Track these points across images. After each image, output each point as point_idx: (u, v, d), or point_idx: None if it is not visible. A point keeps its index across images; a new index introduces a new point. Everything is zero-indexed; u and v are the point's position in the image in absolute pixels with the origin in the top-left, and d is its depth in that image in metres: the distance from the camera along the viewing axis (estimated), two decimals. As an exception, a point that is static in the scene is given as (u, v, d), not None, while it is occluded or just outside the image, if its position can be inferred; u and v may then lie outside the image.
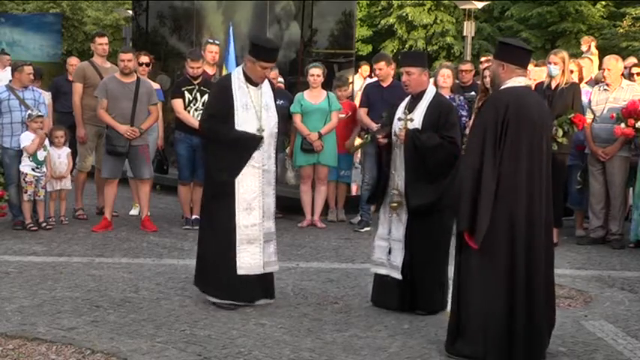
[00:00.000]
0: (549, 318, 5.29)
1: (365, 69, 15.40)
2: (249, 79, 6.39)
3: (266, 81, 6.57)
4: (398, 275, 6.30)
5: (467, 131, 8.11)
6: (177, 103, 9.29)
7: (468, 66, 10.68)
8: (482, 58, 12.12)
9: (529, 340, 5.12)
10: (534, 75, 9.55)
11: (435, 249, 6.26)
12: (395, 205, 6.33)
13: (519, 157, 5.09)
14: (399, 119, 6.41)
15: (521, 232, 5.09)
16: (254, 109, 6.35)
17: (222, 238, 6.28)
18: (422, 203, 6.17)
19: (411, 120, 6.34)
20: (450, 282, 5.61)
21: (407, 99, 6.56)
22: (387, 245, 6.43)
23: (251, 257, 6.31)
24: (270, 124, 6.40)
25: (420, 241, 6.25)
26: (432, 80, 10.99)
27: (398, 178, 6.36)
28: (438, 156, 6.20)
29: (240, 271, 6.28)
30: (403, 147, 6.31)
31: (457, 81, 10.81)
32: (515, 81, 5.24)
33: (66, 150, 9.57)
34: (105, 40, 10.12)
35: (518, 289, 5.10)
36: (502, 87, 5.28)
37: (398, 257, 6.32)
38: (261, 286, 6.43)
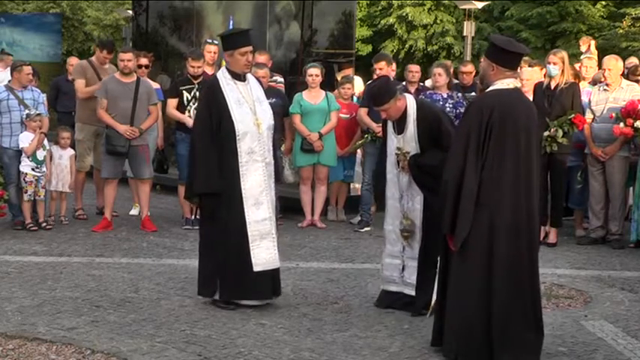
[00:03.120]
0: (538, 328, 5.18)
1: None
2: (235, 75, 6.40)
3: (252, 77, 6.59)
4: (412, 292, 6.25)
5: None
6: (170, 103, 9.34)
7: (468, 68, 10.64)
8: (483, 58, 12.09)
9: (505, 351, 5.04)
10: (527, 75, 9.53)
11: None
12: (407, 234, 6.26)
13: (503, 162, 5.01)
14: (396, 154, 6.27)
15: (502, 238, 5.02)
16: (247, 103, 6.35)
17: (233, 238, 6.23)
18: None
19: (408, 153, 6.21)
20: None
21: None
22: (399, 262, 6.34)
23: (266, 252, 6.28)
24: (266, 116, 6.41)
25: (432, 257, 6.10)
26: (427, 81, 11.06)
27: (409, 203, 6.25)
28: None
29: (256, 268, 6.22)
30: (411, 177, 6.21)
31: (457, 81, 10.82)
32: (504, 83, 5.18)
33: (69, 152, 9.58)
34: (111, 56, 10.10)
35: (495, 297, 5.02)
36: (489, 88, 5.24)
37: (413, 275, 6.25)
38: (271, 283, 6.40)
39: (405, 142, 6.24)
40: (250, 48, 6.44)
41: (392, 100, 6.19)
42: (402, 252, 6.32)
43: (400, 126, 6.28)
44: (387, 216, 6.47)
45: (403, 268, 6.32)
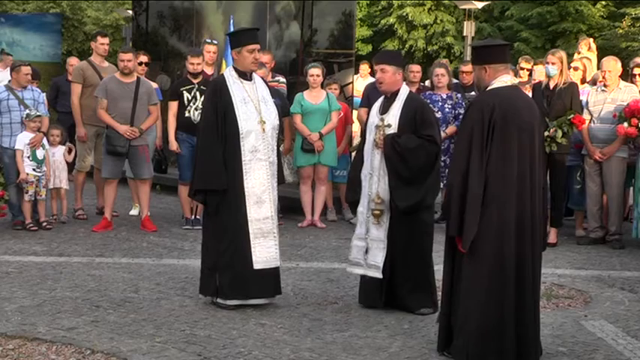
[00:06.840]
0: (536, 336, 5.19)
1: (364, 68, 15.34)
2: (241, 74, 6.43)
3: (258, 77, 6.62)
4: (378, 274, 6.29)
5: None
6: (172, 107, 9.36)
7: (468, 67, 10.62)
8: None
9: (518, 347, 5.04)
10: (538, 75, 9.54)
11: (416, 248, 6.29)
12: (378, 212, 6.30)
13: (508, 159, 5.02)
14: (377, 127, 6.37)
15: (510, 236, 5.02)
16: (252, 102, 6.37)
17: (234, 235, 6.25)
18: (409, 204, 6.19)
19: (389, 126, 6.32)
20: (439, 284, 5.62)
21: (380, 100, 6.57)
22: (364, 245, 6.40)
23: (267, 251, 6.30)
24: (271, 116, 6.43)
25: (401, 241, 6.27)
26: (427, 81, 11.04)
27: (378, 183, 6.33)
28: (418, 156, 6.22)
29: (256, 266, 6.25)
30: (383, 153, 6.30)
31: (457, 81, 10.83)
32: (501, 81, 5.19)
33: (61, 149, 9.59)
34: (107, 40, 10.17)
35: (507, 296, 5.02)
36: (488, 88, 5.25)
37: (378, 256, 6.31)
38: (273, 281, 6.42)
39: (387, 121, 6.38)
40: (258, 46, 6.51)
41: (394, 67, 6.43)
42: (366, 234, 6.38)
43: (386, 106, 6.44)
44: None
45: (367, 251, 6.37)
